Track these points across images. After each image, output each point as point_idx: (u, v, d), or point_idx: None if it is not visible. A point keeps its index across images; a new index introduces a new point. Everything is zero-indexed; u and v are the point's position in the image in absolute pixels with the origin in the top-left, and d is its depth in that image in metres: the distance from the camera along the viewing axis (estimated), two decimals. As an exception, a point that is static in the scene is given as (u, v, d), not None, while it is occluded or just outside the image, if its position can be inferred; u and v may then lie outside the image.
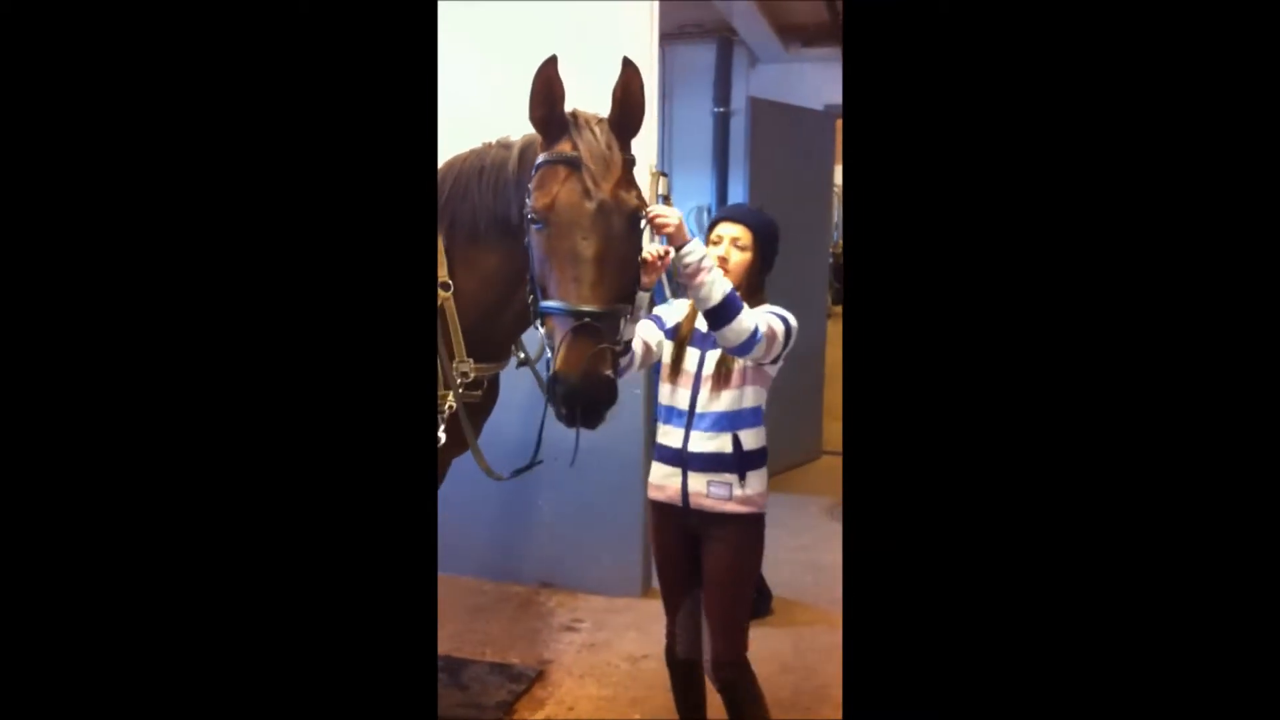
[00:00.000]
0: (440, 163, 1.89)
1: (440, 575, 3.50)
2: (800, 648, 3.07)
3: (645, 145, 3.14)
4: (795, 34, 5.45)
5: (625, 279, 1.65)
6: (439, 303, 1.90)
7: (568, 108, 1.70)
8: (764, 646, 3.08)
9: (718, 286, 1.73)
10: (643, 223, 1.69)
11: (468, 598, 3.43)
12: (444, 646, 3.04)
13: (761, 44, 5.36)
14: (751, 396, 1.96)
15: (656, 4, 3.16)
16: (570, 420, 1.58)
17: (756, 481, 1.97)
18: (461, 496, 2.62)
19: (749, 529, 2.00)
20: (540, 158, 1.68)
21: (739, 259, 1.95)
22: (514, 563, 3.58)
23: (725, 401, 1.94)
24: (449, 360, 1.91)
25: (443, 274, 1.90)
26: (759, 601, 3.40)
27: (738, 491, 1.95)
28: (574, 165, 1.62)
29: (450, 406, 1.90)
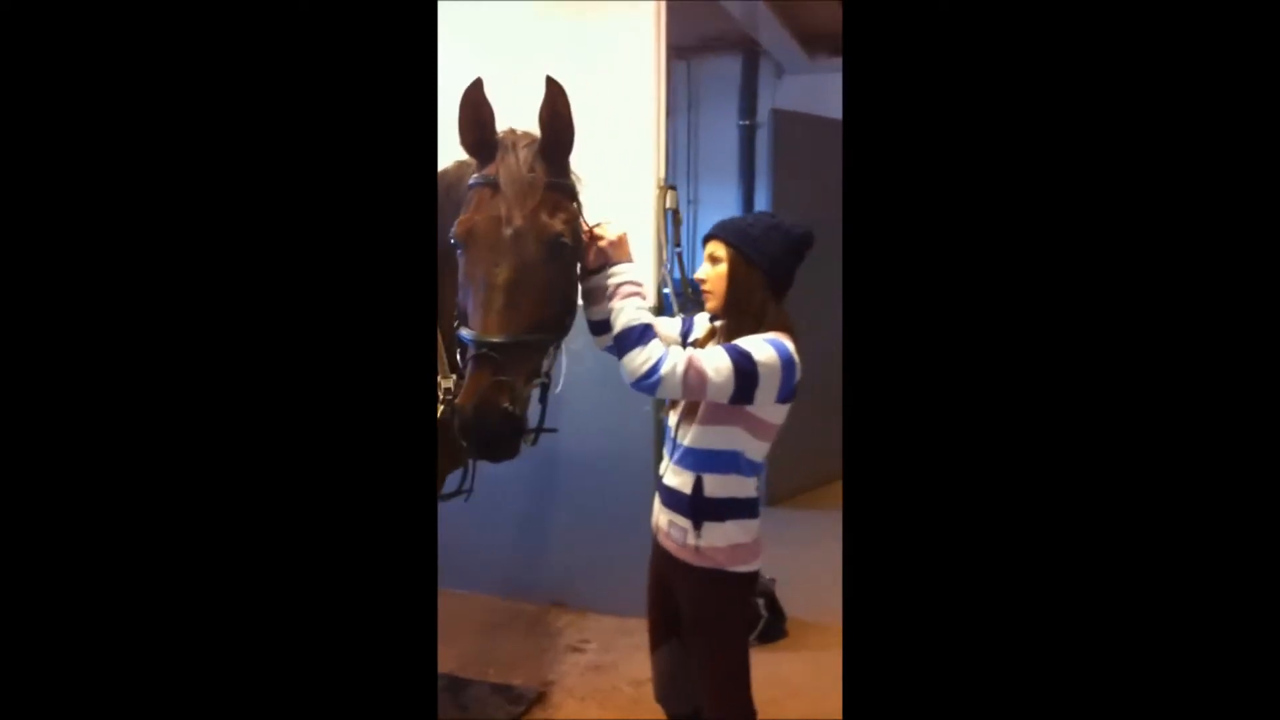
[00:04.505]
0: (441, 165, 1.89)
1: (453, 592, 3.53)
2: (814, 671, 2.98)
3: (649, 158, 3.11)
4: (820, 44, 5.40)
5: (544, 307, 1.58)
6: None
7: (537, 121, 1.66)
8: (776, 671, 3.02)
9: (621, 316, 1.64)
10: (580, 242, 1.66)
11: (479, 615, 3.40)
12: (449, 665, 3.02)
13: (787, 55, 5.33)
14: (723, 438, 1.72)
15: (662, 4, 3.11)
16: (470, 452, 1.53)
17: (716, 535, 1.74)
18: (475, 513, 2.59)
19: (713, 586, 1.77)
20: (469, 180, 1.67)
21: (715, 274, 1.77)
22: (527, 581, 3.54)
23: (692, 437, 1.75)
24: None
25: None
26: (773, 625, 3.32)
27: (690, 540, 1.74)
28: (495, 189, 1.59)
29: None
